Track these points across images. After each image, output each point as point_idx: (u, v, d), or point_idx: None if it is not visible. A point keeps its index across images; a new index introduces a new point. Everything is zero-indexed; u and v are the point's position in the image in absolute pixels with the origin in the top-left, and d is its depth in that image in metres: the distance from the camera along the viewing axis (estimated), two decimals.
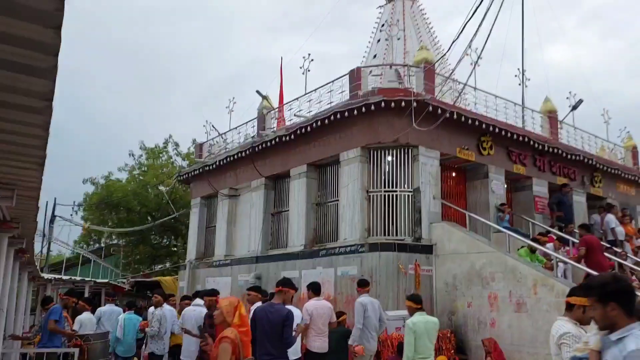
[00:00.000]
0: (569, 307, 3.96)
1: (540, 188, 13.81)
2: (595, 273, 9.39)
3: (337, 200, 12.27)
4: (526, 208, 13.60)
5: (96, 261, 26.01)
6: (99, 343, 7.63)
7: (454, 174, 13.21)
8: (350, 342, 7.76)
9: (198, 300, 7.79)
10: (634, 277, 11.10)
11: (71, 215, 26.02)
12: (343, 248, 11.37)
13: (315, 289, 7.58)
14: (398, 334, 9.51)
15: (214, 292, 7.79)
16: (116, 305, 10.58)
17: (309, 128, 12.47)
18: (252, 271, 13.65)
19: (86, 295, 16.56)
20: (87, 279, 20.01)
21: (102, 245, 29.41)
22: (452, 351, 9.92)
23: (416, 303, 6.92)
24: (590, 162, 14.78)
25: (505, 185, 13.29)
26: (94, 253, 27.82)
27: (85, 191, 29.42)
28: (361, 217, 11.35)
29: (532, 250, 10.44)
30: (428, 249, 11.11)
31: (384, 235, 11.32)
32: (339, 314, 8.91)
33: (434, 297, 10.98)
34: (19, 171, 2.74)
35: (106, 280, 21.24)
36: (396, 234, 11.29)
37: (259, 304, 6.39)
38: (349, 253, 11.12)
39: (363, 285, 8.39)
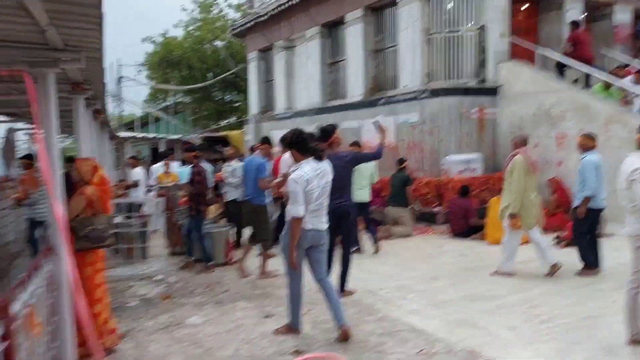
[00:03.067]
0: None
1: (623, 15, 12.46)
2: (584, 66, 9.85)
3: (396, 45, 11.76)
4: (604, 40, 12.47)
5: (167, 119, 27.21)
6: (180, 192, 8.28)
7: (525, 6, 12.08)
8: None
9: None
10: None
11: (136, 75, 26.74)
12: (403, 95, 11.17)
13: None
14: (460, 177, 9.68)
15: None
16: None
17: None
18: (313, 122, 13.87)
19: (161, 150, 17.73)
20: (160, 135, 21.21)
21: (170, 103, 30.47)
22: None
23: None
24: None
25: (583, 15, 12.08)
26: (163, 111, 29.00)
27: (146, 50, 29.78)
28: (422, 61, 10.91)
29: (607, 86, 9.82)
30: (493, 92, 10.69)
31: (446, 79, 10.93)
32: (402, 160, 9.15)
33: (498, 140, 10.84)
34: (81, 32, 2.78)
35: (179, 136, 22.41)
36: (459, 78, 10.87)
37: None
38: (410, 100, 10.94)
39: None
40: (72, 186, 3.91)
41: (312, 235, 4.15)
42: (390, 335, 4.25)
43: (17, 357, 2.24)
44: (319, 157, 4.16)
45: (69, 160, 6.85)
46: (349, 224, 5.54)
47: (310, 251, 4.22)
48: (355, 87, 12.77)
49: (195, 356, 4.00)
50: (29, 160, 7.63)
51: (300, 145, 4.17)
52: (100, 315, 3.98)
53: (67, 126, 6.69)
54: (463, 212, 8.66)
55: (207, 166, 8.26)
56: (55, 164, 3.10)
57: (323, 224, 4.24)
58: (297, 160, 4.18)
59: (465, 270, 6.48)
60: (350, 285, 5.49)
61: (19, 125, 9.40)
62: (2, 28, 2.67)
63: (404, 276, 6.28)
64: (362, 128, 11.98)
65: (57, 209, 2.95)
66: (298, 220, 4.02)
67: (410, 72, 11.16)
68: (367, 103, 12.22)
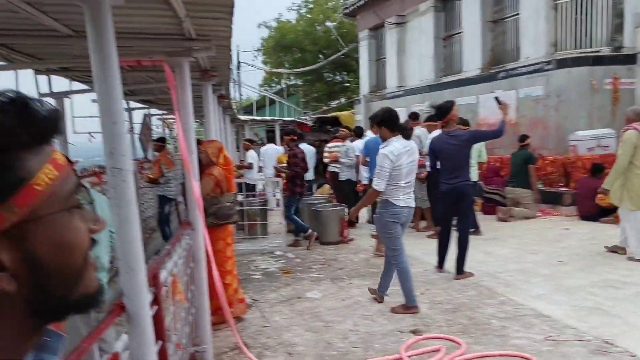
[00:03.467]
0: None
1: None
2: None
3: (517, 13, 11.01)
4: None
5: (281, 101, 28.18)
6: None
7: None
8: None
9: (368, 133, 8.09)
10: None
11: (253, 60, 27.94)
12: (525, 67, 10.46)
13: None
14: (591, 154, 8.91)
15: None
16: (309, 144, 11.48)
17: None
18: (425, 100, 13.54)
19: (277, 132, 18.43)
20: (275, 117, 22.02)
21: (283, 86, 31.49)
22: None
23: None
24: None
25: None
26: (277, 94, 30.05)
27: (262, 36, 30.94)
28: (547, 29, 10.12)
29: None
30: (631, 59, 9.62)
31: (575, 48, 10.04)
32: (523, 137, 8.63)
33: None
34: (211, 21, 2.96)
35: (292, 118, 23.12)
36: (590, 46, 9.92)
37: (437, 132, 6.37)
38: (533, 72, 10.22)
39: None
40: (200, 167, 4.23)
41: (407, 211, 4.41)
42: (514, 319, 4.09)
43: (164, 321, 2.50)
44: (406, 136, 4.48)
45: (197, 143, 7.45)
46: (466, 204, 5.37)
47: None
48: (472, 61, 12.21)
49: (317, 328, 4.17)
50: (162, 142, 8.37)
51: (390, 122, 4.39)
52: (230, 285, 4.29)
53: (196, 111, 7.21)
54: (593, 193, 7.95)
55: (307, 149, 8.42)
56: (192, 147, 3.36)
57: (412, 200, 4.48)
58: (385, 137, 4.40)
59: (595, 255, 6.00)
60: (468, 267, 5.35)
61: (153, 111, 10.29)
62: (146, 21, 2.93)
63: (526, 259, 5.98)
64: (479, 104, 11.47)
65: (194, 188, 3.21)
66: (377, 192, 4.33)
67: (533, 41, 10.41)
68: (485, 77, 11.63)
